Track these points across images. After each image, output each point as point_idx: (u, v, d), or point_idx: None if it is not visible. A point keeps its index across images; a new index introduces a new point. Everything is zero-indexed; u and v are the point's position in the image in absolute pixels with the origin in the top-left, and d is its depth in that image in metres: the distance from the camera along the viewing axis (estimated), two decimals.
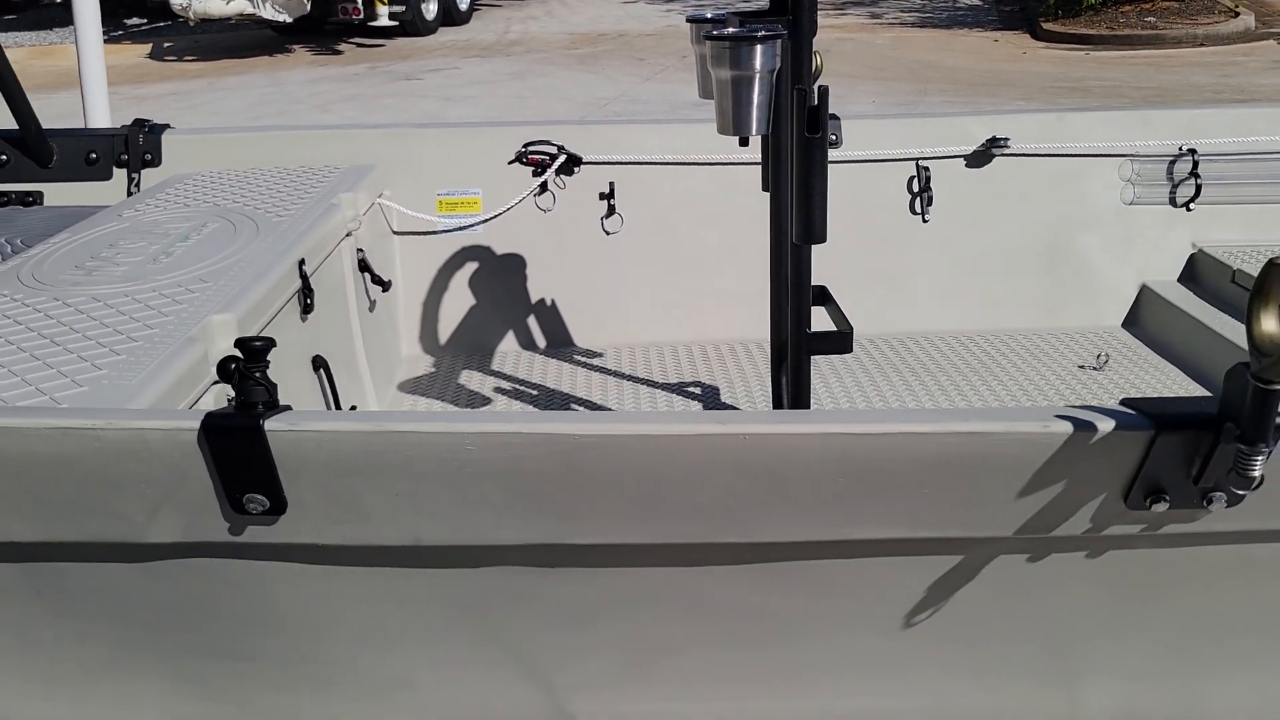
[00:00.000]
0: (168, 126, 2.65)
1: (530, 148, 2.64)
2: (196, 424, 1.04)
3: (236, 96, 11.69)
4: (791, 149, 1.62)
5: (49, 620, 1.25)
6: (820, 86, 1.56)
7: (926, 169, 2.68)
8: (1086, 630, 1.29)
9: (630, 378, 2.47)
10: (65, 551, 1.17)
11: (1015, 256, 2.73)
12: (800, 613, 1.25)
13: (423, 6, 16.27)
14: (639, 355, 2.59)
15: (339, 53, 15.22)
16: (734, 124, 1.65)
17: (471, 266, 2.69)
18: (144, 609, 1.24)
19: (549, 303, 2.68)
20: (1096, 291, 2.71)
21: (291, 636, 1.29)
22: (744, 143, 1.73)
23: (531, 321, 2.68)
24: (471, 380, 2.50)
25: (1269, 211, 2.72)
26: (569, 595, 1.21)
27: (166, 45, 15.99)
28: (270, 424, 1.05)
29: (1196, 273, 2.73)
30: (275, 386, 1.08)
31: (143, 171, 2.57)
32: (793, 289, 1.75)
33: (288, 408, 1.10)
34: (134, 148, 2.57)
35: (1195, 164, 2.68)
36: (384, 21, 15.59)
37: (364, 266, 2.38)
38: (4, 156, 2.54)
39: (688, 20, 1.78)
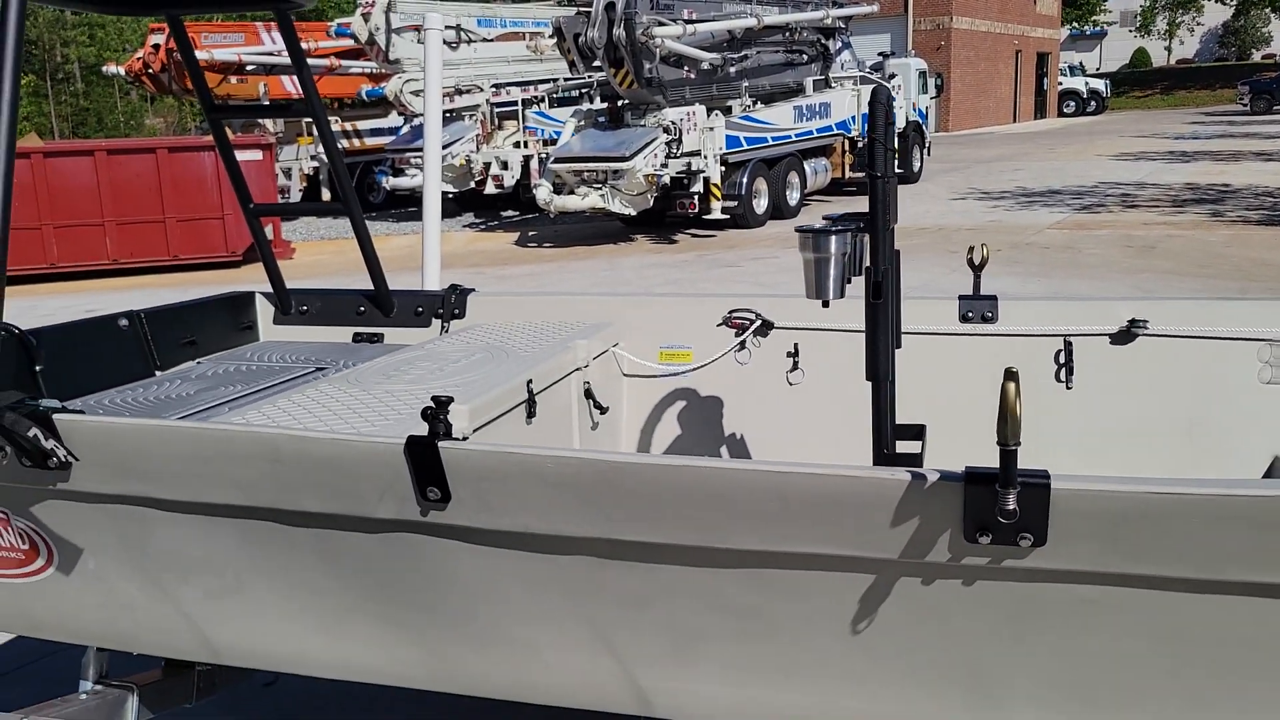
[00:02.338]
0: (473, 290, 3.57)
1: (734, 313, 3.31)
2: (403, 442, 1.76)
3: (577, 277, 13.35)
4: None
5: (322, 569, 1.97)
6: (880, 269, 2.14)
7: (1071, 344, 3.05)
8: (982, 653, 1.67)
9: None
10: (332, 521, 1.90)
11: (1153, 426, 2.99)
12: (777, 612, 1.73)
13: (754, 201, 17.61)
14: None
15: (674, 241, 16.79)
16: (816, 291, 2.25)
17: (681, 404, 3.35)
18: (371, 567, 1.94)
19: (739, 436, 3.28)
20: (1231, 462, 2.90)
21: (459, 599, 1.93)
22: (825, 304, 2.31)
23: (723, 449, 3.29)
24: None
25: None
26: (632, 582, 1.76)
27: (530, 234, 18.36)
28: (442, 444, 1.74)
29: None
30: (451, 426, 1.78)
31: (451, 322, 3.49)
32: (874, 418, 2.26)
33: (461, 439, 1.79)
34: (447, 304, 3.50)
35: None
36: (717, 214, 17.08)
37: (588, 394, 3.11)
38: (362, 308, 3.55)
39: (795, 230, 2.39)
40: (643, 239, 17.15)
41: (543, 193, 16.27)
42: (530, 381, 2.69)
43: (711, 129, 16.72)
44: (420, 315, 3.50)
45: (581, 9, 15.96)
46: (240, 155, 14.13)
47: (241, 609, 2.12)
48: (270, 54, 21.18)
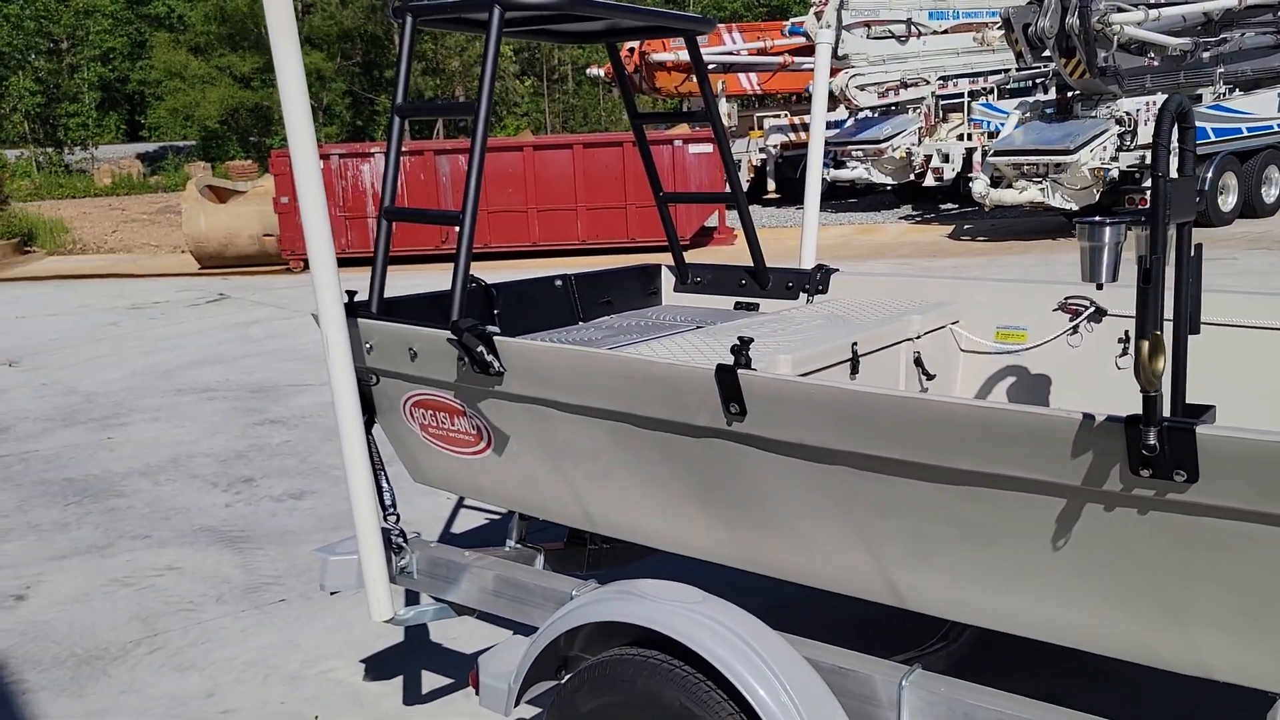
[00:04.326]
0: (838, 270, 4.08)
1: (1070, 300, 3.55)
2: (713, 368, 2.36)
3: (1005, 270, 13.21)
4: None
5: (661, 463, 2.63)
6: (1151, 256, 2.41)
7: None
8: (1165, 578, 1.92)
9: None
10: (667, 425, 2.55)
11: None
12: (993, 526, 2.09)
13: (1219, 199, 16.25)
14: None
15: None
16: (1090, 275, 2.54)
17: (1010, 380, 3.63)
18: (694, 465, 2.56)
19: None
20: None
21: (755, 494, 2.48)
22: (1099, 287, 2.57)
23: None
24: None
25: None
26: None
27: (965, 227, 18.22)
28: (741, 372, 2.32)
29: None
30: (750, 359, 2.35)
31: (816, 296, 4.03)
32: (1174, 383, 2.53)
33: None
34: (813, 281, 4.04)
35: None
36: None
37: (918, 363, 3.51)
38: (743, 281, 4.20)
39: (1074, 221, 2.64)
40: None
41: (979, 185, 16.15)
42: (856, 344, 3.18)
43: None
44: (790, 289, 4.08)
45: None
46: (693, 149, 15.49)
47: (610, 490, 2.84)
48: (729, 53, 22.68)
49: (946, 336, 3.71)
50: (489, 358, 2.76)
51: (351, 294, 3.18)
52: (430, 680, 3.70)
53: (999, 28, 16.84)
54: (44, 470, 6.61)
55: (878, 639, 2.65)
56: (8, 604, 4.57)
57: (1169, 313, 3.03)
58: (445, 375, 2.95)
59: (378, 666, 3.83)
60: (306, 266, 3.22)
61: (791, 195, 23.28)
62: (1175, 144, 2.47)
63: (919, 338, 3.52)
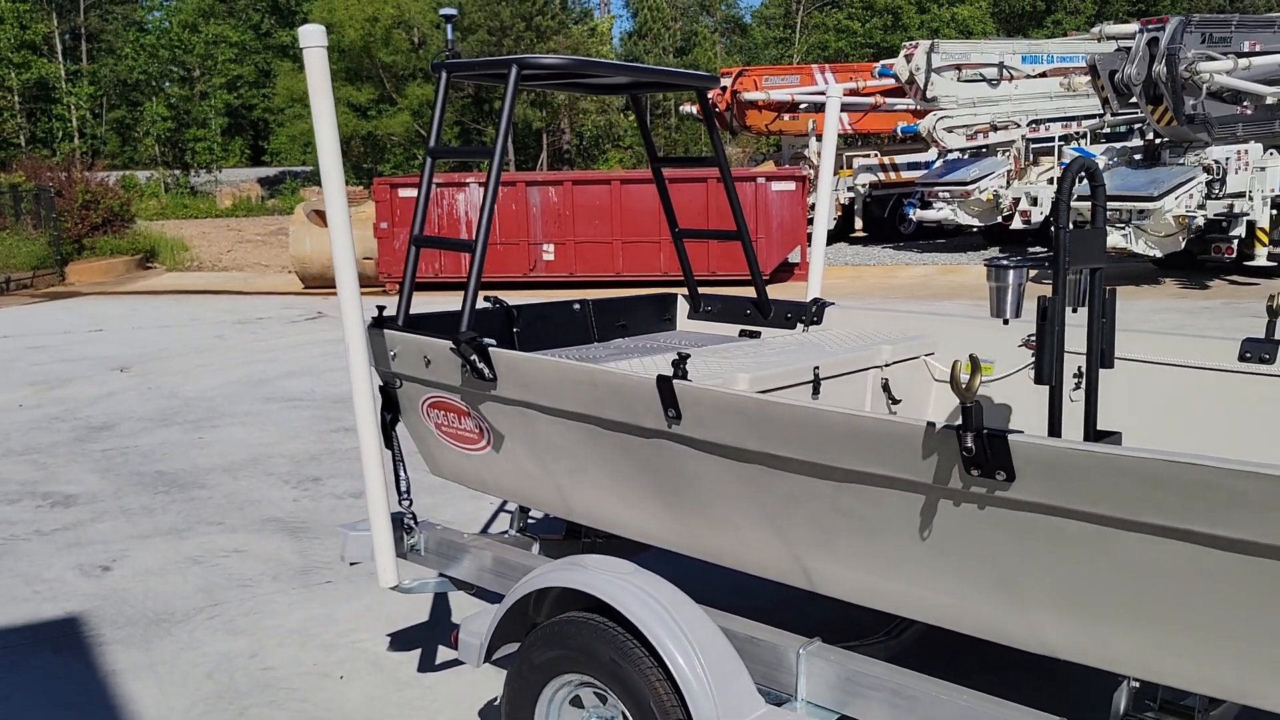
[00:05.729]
0: (833, 303, 4.46)
1: (1032, 337, 3.86)
2: (654, 379, 2.77)
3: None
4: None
5: (623, 460, 3.04)
6: (1053, 299, 2.76)
7: None
8: (1006, 563, 2.26)
9: None
10: (623, 427, 2.96)
11: None
12: (872, 517, 2.45)
13: None
14: None
15: (1206, 287, 15.73)
16: (996, 311, 2.90)
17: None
18: (647, 463, 2.97)
19: None
20: None
21: (692, 488, 2.87)
22: (1005, 322, 2.92)
23: None
24: None
25: None
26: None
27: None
28: (675, 381, 2.72)
29: None
30: (686, 372, 2.75)
31: (812, 327, 4.41)
32: (1049, 417, 2.84)
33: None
34: (809, 313, 4.43)
35: None
36: (1262, 261, 15.73)
37: (885, 389, 3.86)
38: (749, 310, 4.60)
39: (983, 263, 2.99)
40: (1170, 282, 16.29)
41: None
42: (818, 368, 3.56)
43: (1263, 169, 15.48)
44: (789, 319, 4.47)
45: (1122, 45, 15.63)
46: (775, 186, 15.89)
47: (584, 484, 3.26)
48: (820, 93, 23.02)
49: (920, 367, 4.06)
50: (481, 365, 3.23)
51: (381, 309, 3.69)
52: (445, 654, 4.17)
53: (1085, 74, 16.90)
54: (140, 463, 7.32)
55: (844, 637, 2.98)
56: (95, 573, 5.20)
57: (1081, 348, 3.40)
58: (452, 380, 3.44)
59: (400, 640, 4.32)
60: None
61: (878, 234, 23.46)
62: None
63: (887, 366, 3.88)
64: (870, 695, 2.57)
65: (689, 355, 2.82)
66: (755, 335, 4.56)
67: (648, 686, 2.59)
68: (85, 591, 4.95)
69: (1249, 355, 3.48)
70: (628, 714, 2.67)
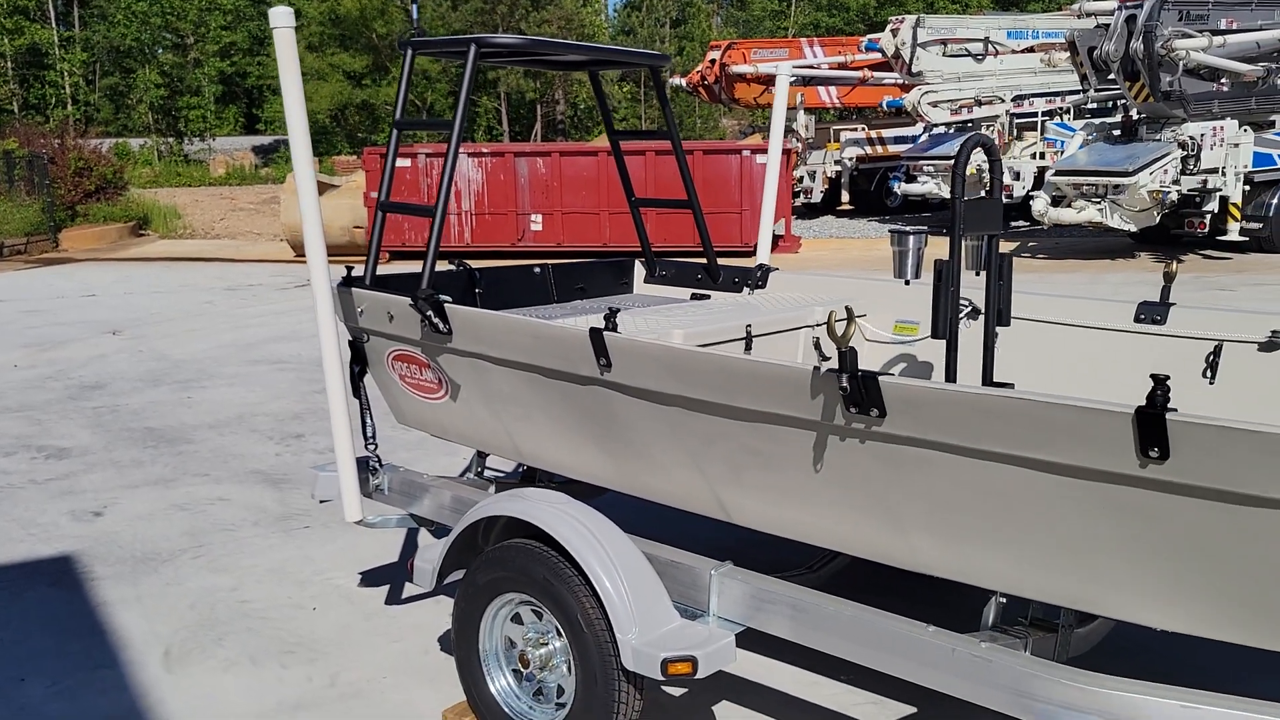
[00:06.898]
0: (776, 269, 4.76)
1: None
2: (587, 330, 3.09)
3: (1051, 287, 13.58)
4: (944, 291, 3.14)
5: (557, 404, 3.36)
6: (948, 263, 3.08)
7: (1220, 348, 3.52)
8: (886, 492, 2.58)
9: None
10: (558, 375, 3.28)
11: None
12: (772, 453, 2.77)
13: None
14: None
15: (1180, 262, 16.04)
16: (898, 273, 3.23)
17: (902, 365, 4.28)
18: (582, 406, 3.29)
19: None
20: None
21: (624, 429, 3.19)
22: (907, 283, 3.26)
23: None
24: None
25: None
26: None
27: (1030, 244, 18.47)
28: (605, 333, 3.03)
29: None
30: (616, 325, 3.07)
31: (757, 291, 4.72)
32: (946, 360, 3.18)
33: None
34: (754, 278, 4.74)
35: None
36: (1234, 236, 16.01)
37: (816, 346, 4.18)
38: (700, 275, 4.91)
39: (888, 230, 3.31)
40: (1146, 257, 16.61)
41: (1039, 204, 16.44)
42: (749, 326, 3.87)
43: (1237, 145, 15.75)
44: (736, 283, 4.78)
45: (1101, 22, 15.86)
46: (760, 158, 16.17)
47: (531, 429, 3.58)
48: (810, 67, 23.23)
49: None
50: (437, 320, 3.54)
51: (349, 269, 4.00)
52: (411, 589, 4.50)
53: (1064, 50, 17.13)
54: (130, 420, 7.64)
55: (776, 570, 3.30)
56: (87, 518, 5.52)
57: (982, 307, 3.71)
58: (412, 334, 3.75)
59: (371, 577, 4.65)
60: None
61: (865, 207, 23.72)
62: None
63: (819, 325, 4.20)
64: (772, 610, 2.91)
65: (619, 310, 3.13)
66: (705, 298, 4.87)
67: (577, 603, 2.92)
68: (78, 534, 5.27)
69: (1143, 317, 3.79)
70: (560, 628, 3.01)
